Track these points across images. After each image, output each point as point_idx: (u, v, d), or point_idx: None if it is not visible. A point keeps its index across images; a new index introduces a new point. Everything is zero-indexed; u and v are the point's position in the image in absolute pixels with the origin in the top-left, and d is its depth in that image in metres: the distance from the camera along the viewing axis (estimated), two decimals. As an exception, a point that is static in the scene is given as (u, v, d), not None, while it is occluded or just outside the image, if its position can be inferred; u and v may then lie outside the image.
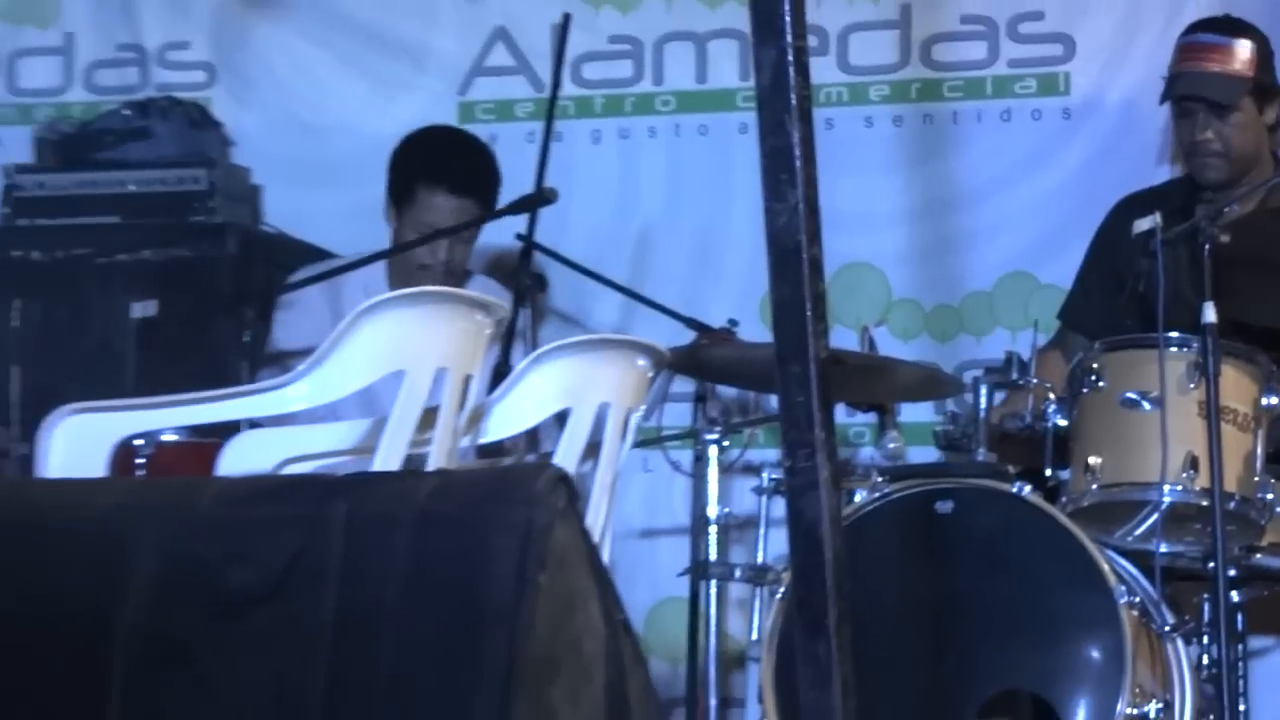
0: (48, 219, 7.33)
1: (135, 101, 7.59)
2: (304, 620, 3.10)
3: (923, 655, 5.55)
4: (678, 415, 6.49)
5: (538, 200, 6.43)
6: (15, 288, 6.96)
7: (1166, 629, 5.71)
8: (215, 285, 7.05)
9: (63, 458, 4.95)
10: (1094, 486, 5.78)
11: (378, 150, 7.05)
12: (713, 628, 6.25)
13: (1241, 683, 5.86)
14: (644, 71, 7.52)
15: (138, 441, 5.26)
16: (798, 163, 3.25)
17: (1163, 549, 5.77)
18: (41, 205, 7.34)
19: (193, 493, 3.67)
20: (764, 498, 6.29)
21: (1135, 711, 5.52)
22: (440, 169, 6.82)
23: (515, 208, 6.53)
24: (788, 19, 3.22)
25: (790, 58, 3.25)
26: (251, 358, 6.67)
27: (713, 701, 6.17)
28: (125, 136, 7.39)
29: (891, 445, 6.26)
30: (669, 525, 6.67)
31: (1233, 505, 5.74)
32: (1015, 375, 6.02)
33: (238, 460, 5.02)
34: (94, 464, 4.92)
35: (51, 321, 6.99)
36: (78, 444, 5.00)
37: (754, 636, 6.10)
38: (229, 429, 5.24)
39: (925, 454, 6.31)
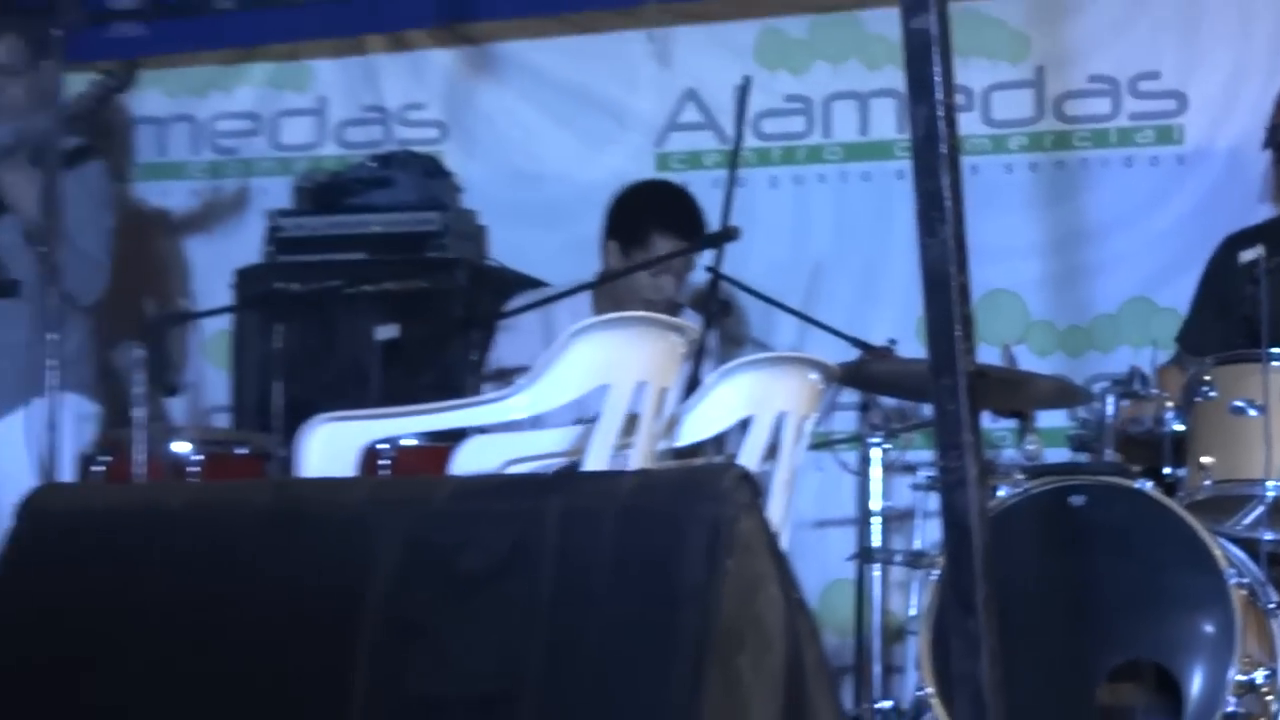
0: (305, 255, 7.44)
1: (379, 155, 7.67)
2: (524, 599, 3.12)
3: (1059, 629, 5.54)
4: (845, 422, 6.52)
5: (724, 237, 6.43)
6: (277, 314, 7.04)
7: (1271, 606, 5.66)
8: (447, 311, 7.13)
9: (318, 460, 4.99)
10: (1207, 482, 5.75)
11: (586, 196, 7.10)
12: (876, 605, 6.30)
13: (1337, 654, 5.80)
14: (814, 126, 7.52)
15: (382, 445, 5.35)
16: (947, 203, 3.24)
17: (1267, 537, 5.74)
18: (300, 244, 7.45)
19: (430, 489, 3.69)
20: (920, 493, 6.34)
21: (1244, 678, 5.47)
22: (673, 218, 6.85)
23: (704, 244, 6.55)
24: (938, 80, 3.22)
25: (941, 114, 3.24)
26: (478, 374, 6.73)
27: (877, 669, 6.22)
28: (370, 185, 7.47)
29: (1030, 447, 6.24)
30: (838, 516, 6.66)
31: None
32: (1138, 386, 5.99)
33: (467, 461, 5.06)
34: (344, 465, 4.96)
35: (308, 343, 7.06)
36: (330, 448, 5.04)
37: (912, 613, 6.11)
38: (459, 434, 5.28)
39: (1059, 455, 6.27)
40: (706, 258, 6.49)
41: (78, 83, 6.21)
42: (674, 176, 7.32)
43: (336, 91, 8.12)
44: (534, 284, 7.16)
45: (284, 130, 8.15)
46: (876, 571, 6.31)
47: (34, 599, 3.38)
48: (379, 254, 7.33)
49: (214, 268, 7.80)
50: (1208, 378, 5.83)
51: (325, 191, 7.54)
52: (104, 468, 6.27)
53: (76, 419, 6.12)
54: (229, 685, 3.22)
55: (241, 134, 8.18)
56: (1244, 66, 7.01)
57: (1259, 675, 5.52)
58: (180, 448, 6.18)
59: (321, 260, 7.38)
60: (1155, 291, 6.91)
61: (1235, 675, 5.46)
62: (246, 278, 7.48)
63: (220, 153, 8.20)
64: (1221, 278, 6.41)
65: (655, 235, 6.77)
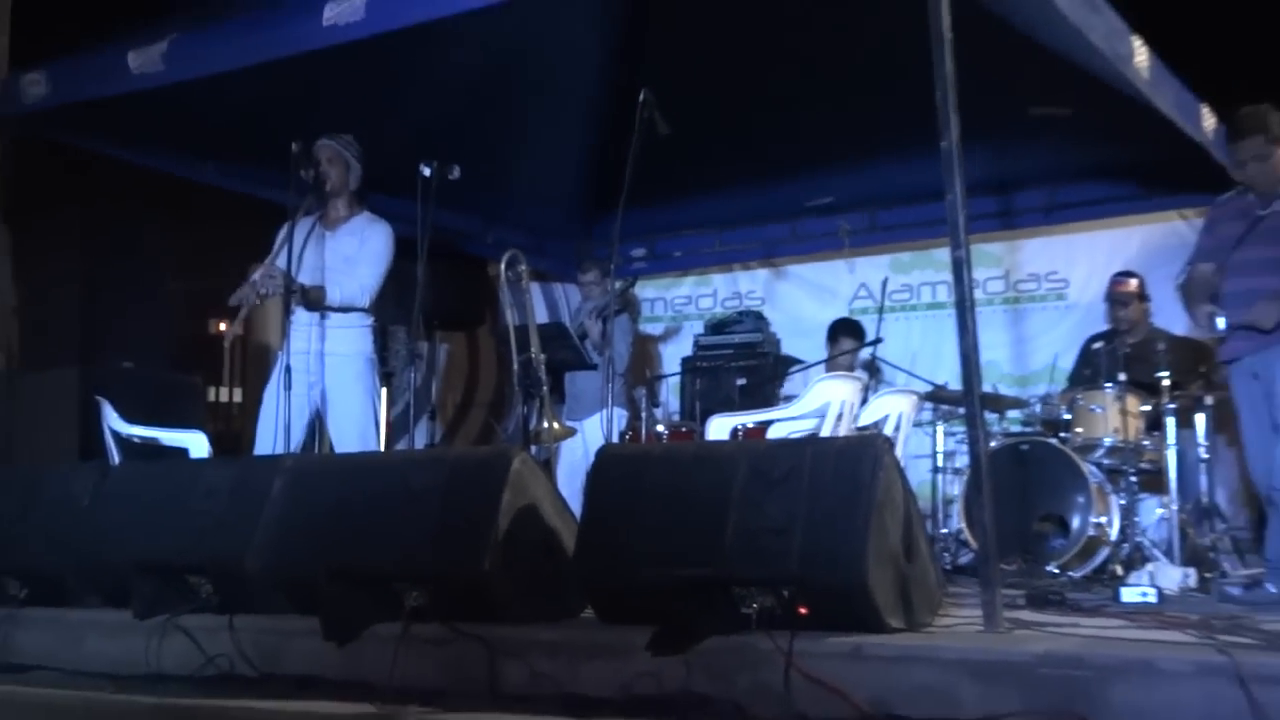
0: (709, 352, 7.26)
1: (738, 311, 7.60)
2: (795, 490, 3.07)
3: (1018, 500, 5.38)
4: (926, 414, 6.30)
5: (875, 342, 6.44)
6: (698, 375, 7.04)
7: (1108, 490, 5.47)
8: (764, 373, 6.98)
9: (713, 433, 5.08)
10: (1079, 440, 5.56)
11: (820, 327, 6.98)
12: (940, 489, 6.16)
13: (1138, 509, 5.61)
14: (914, 296, 7.32)
15: (738, 427, 5.21)
16: (970, 325, 3.23)
17: (1105, 461, 5.55)
18: (707, 348, 7.30)
19: (758, 445, 3.71)
20: (958, 444, 6.25)
21: (1095, 520, 5.32)
22: (852, 333, 6.72)
23: (867, 345, 6.52)
24: (965, 275, 3.22)
25: (966, 290, 3.24)
26: (776, 398, 6.68)
27: (940, 515, 6.07)
28: (734, 323, 7.37)
29: (1003, 425, 6.17)
30: (924, 454, 6.34)
31: (1130, 446, 5.52)
32: (1050, 401, 5.90)
33: (773, 433, 5.10)
34: (723, 435, 5.03)
35: (709, 387, 6.97)
36: (718, 428, 5.14)
37: (955, 492, 6.03)
38: (770, 423, 5.23)
39: (1016, 429, 6.16)
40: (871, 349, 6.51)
41: (619, 285, 6.34)
42: (855, 316, 7.20)
43: (722, 287, 8.10)
44: (799, 361, 7.04)
45: (700, 304, 8.14)
46: (939, 476, 6.19)
47: (606, 495, 3.39)
48: (739, 350, 7.18)
49: (673, 357, 7.79)
50: (1079, 396, 5.67)
51: (717, 326, 7.48)
52: (628, 437, 6.36)
53: (619, 419, 6.22)
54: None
55: (683, 305, 8.20)
56: (1094, 268, 6.77)
57: (1102, 519, 5.36)
58: (659, 429, 6.18)
59: (716, 354, 7.23)
60: (1059, 360, 6.65)
61: (1091, 519, 5.33)
62: (686, 361, 7.33)
63: (674, 312, 8.23)
64: (1086, 355, 6.21)
65: (841, 337, 6.68)
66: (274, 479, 3.73)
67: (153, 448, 5.18)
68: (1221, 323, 4.39)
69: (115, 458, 5.12)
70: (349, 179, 4.92)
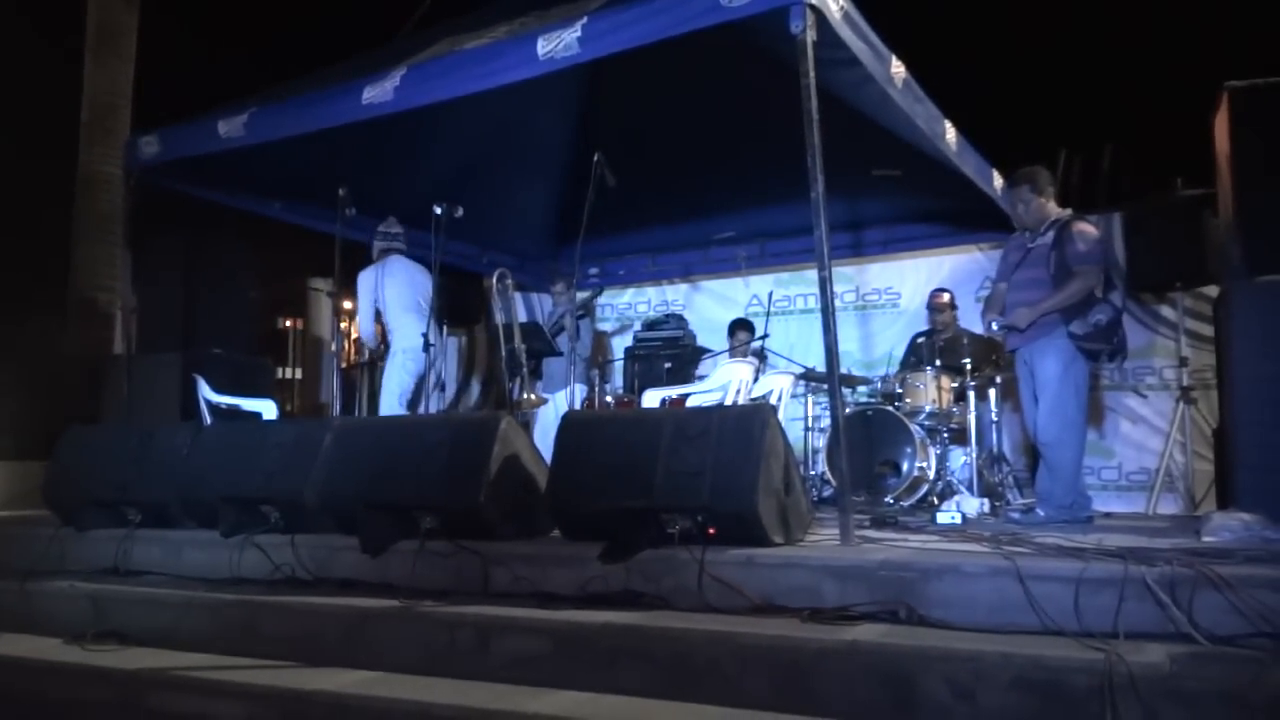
0: (646, 344, 6.93)
1: (666, 314, 7.37)
2: (708, 441, 3.01)
3: (866, 450, 5.31)
4: (800, 390, 6.17)
5: (763, 337, 6.33)
6: (637, 361, 6.77)
7: (929, 444, 5.44)
8: (684, 359, 6.75)
9: (647, 403, 4.97)
10: (908, 407, 5.50)
11: (723, 324, 6.83)
12: (810, 443, 6.03)
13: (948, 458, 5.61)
14: (791, 304, 7.22)
15: (665, 397, 5.07)
16: (831, 324, 3.17)
17: (927, 422, 5.50)
18: (644, 341, 7.00)
19: (678, 411, 3.68)
20: (823, 411, 6.13)
21: (919, 464, 5.29)
22: (745, 329, 6.49)
23: (758, 339, 6.39)
24: (830, 289, 3.15)
25: (830, 300, 3.17)
26: (693, 377, 6.44)
27: (810, 461, 5.95)
28: (663, 323, 7.12)
29: (854, 398, 6.13)
30: (798, 418, 6.20)
31: (943, 412, 5.50)
32: (888, 379, 5.81)
33: (691, 403, 5.00)
34: (655, 404, 4.93)
35: (644, 369, 6.71)
36: (651, 399, 5.00)
37: (820, 444, 5.94)
38: (687, 395, 5.16)
39: (864, 399, 6.11)
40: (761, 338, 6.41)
41: (581, 296, 6.26)
42: (749, 318, 7.04)
43: (654, 296, 7.88)
44: (709, 350, 6.86)
45: (638, 308, 7.89)
46: (810, 434, 6.08)
47: (570, 447, 3.31)
48: (666, 342, 6.92)
49: (618, 347, 7.57)
50: (908, 376, 5.60)
51: (650, 325, 7.22)
52: (586, 405, 6.17)
53: (580, 392, 6.08)
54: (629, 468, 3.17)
55: (626, 309, 7.93)
56: (918, 285, 6.68)
57: (924, 464, 5.32)
58: (608, 399, 6.05)
59: (649, 345, 6.93)
60: (894, 351, 6.55)
61: (916, 464, 5.30)
62: (628, 350, 6.99)
63: (619, 314, 7.94)
64: (912, 346, 6.15)
65: (740, 332, 6.51)
66: (325, 435, 3.69)
67: (235, 411, 5.13)
68: (994, 326, 4.46)
69: (207, 419, 5.07)
70: (375, 252, 5.32)
